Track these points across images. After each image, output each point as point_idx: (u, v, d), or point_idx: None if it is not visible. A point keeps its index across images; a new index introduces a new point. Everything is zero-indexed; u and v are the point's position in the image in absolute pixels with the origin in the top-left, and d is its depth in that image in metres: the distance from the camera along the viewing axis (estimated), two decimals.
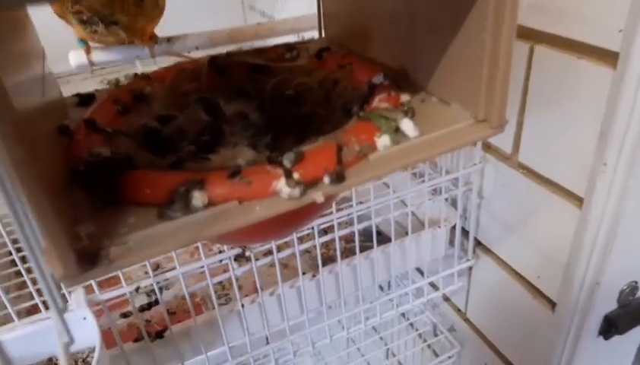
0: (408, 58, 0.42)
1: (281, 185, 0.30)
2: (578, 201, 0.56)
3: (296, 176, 0.30)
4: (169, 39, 0.58)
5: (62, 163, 0.35)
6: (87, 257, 0.27)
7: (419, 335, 0.94)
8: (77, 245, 0.28)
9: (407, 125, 0.34)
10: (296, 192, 0.30)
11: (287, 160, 0.31)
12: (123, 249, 0.27)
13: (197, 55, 0.51)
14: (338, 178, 0.31)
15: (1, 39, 0.29)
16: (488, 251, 0.78)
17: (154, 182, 0.31)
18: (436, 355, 0.92)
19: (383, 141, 0.33)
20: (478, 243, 0.79)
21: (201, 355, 0.67)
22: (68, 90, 0.46)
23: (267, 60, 0.47)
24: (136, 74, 0.46)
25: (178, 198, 0.30)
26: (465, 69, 0.35)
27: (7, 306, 0.57)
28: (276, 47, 0.49)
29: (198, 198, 0.30)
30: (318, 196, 0.30)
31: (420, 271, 0.86)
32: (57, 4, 0.46)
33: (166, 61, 0.50)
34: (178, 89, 0.45)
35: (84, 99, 0.45)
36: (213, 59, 0.47)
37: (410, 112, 0.36)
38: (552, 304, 0.66)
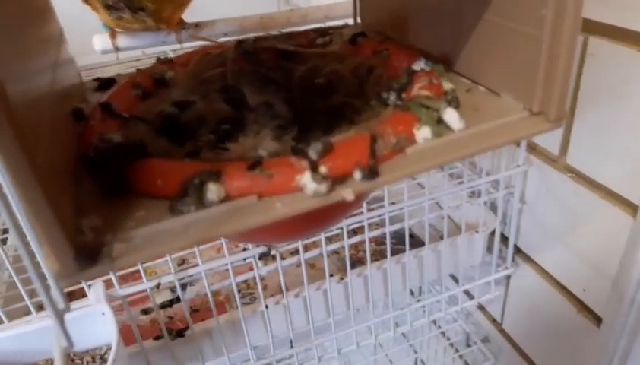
0: (452, 44, 0.37)
1: (306, 179, 0.27)
2: (632, 208, 0.51)
3: (322, 169, 0.27)
4: (196, 25, 0.55)
5: (73, 149, 0.32)
6: (87, 253, 0.24)
7: (451, 345, 0.89)
8: (79, 239, 0.25)
9: (451, 116, 0.30)
10: (323, 188, 0.26)
11: (314, 151, 0.27)
12: (127, 247, 0.24)
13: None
14: (371, 173, 0.27)
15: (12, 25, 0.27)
16: (528, 259, 0.72)
17: (166, 172, 0.28)
18: None
19: (423, 132, 0.29)
20: (518, 251, 0.74)
21: (222, 356, 0.64)
22: None
23: (297, 45, 0.44)
24: (158, 58, 0.43)
25: (191, 190, 0.27)
26: (519, 53, 0.31)
27: (26, 298, 0.55)
28: (307, 32, 0.45)
29: (213, 190, 0.26)
30: (347, 193, 0.27)
31: (454, 278, 0.81)
32: None
33: (194, 46, 0.48)
34: (201, 74, 0.42)
35: (104, 84, 0.42)
36: (240, 44, 0.44)
37: (454, 102, 0.32)
38: (598, 320, 0.60)
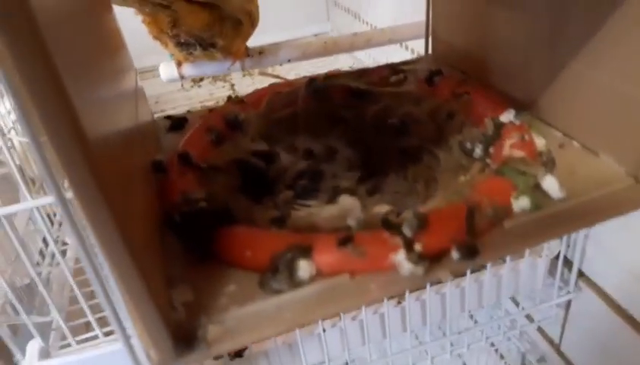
0: (540, 91, 0.35)
1: (400, 258, 0.25)
2: None
3: (418, 247, 0.25)
4: (260, 52, 0.54)
5: (155, 205, 0.32)
6: (183, 337, 0.23)
7: (505, 364, 0.86)
8: (173, 318, 0.24)
9: (550, 184, 0.28)
10: (419, 270, 0.25)
11: (408, 226, 0.26)
12: (222, 330, 0.24)
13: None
14: (470, 252, 0.25)
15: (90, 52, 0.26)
16: (592, 283, 0.69)
17: (256, 244, 0.27)
18: None
19: (521, 203, 0.28)
20: (580, 274, 0.71)
21: None
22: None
23: (369, 84, 0.42)
24: (229, 98, 0.43)
25: (282, 266, 0.26)
26: (625, 114, 0.29)
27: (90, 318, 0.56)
28: (379, 68, 0.43)
29: (304, 268, 0.25)
30: (444, 275, 0.25)
31: (514, 300, 0.79)
32: (154, 26, 0.44)
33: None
34: (273, 115, 0.41)
35: (176, 124, 0.42)
36: (311, 82, 0.42)
37: (550, 164, 0.30)
38: None
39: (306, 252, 0.26)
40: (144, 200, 0.30)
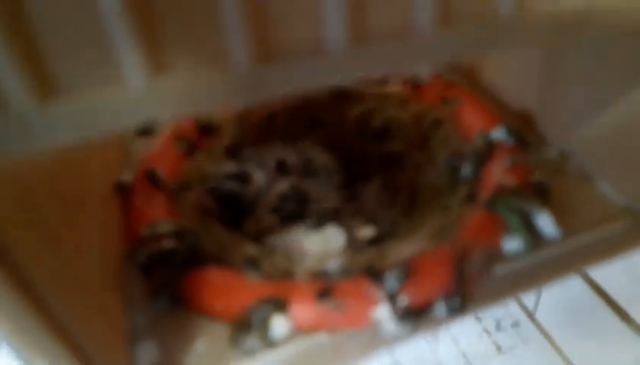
0: (536, 101, 0.31)
1: (382, 313, 0.22)
2: None
3: (402, 300, 0.22)
4: None
5: (117, 234, 0.28)
6: None
7: (481, 327, 0.87)
8: None
9: (544, 221, 0.25)
10: (404, 329, 0.22)
11: (393, 278, 0.23)
12: None
13: None
14: (458, 305, 0.23)
15: None
16: None
17: (228, 293, 0.24)
18: None
19: (513, 244, 0.25)
20: None
21: None
22: None
23: (350, 82, 0.38)
24: None
25: (255, 321, 0.23)
26: (628, 138, 0.25)
27: None
28: None
29: (280, 325, 0.22)
30: (430, 330, 0.22)
31: None
32: None
33: None
34: (250, 117, 0.37)
35: (145, 127, 0.37)
36: None
37: (544, 195, 0.26)
38: None
39: (282, 305, 0.23)
40: (102, 229, 0.26)
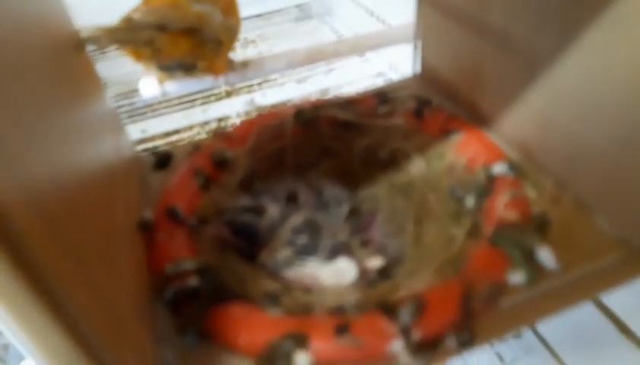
0: (533, 133, 0.33)
1: (397, 347, 0.24)
2: None
3: (416, 335, 0.24)
4: (244, 64, 0.50)
5: (144, 271, 0.29)
6: None
7: None
8: None
9: (545, 255, 0.26)
10: (418, 362, 0.23)
11: (406, 313, 0.24)
12: None
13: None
14: (467, 338, 0.24)
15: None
16: None
17: (250, 329, 0.25)
18: None
19: (516, 277, 0.26)
20: None
21: None
22: None
23: (357, 115, 0.39)
24: (216, 132, 0.39)
25: (278, 357, 0.24)
26: (627, 175, 0.27)
27: None
28: (367, 98, 0.40)
29: (302, 361, 0.24)
30: (441, 362, 0.24)
31: None
32: (134, 55, 0.40)
33: None
34: (261, 150, 0.39)
35: (162, 161, 0.39)
36: (299, 113, 0.39)
37: (544, 228, 0.28)
38: None
39: (303, 341, 0.24)
40: (131, 264, 0.27)
